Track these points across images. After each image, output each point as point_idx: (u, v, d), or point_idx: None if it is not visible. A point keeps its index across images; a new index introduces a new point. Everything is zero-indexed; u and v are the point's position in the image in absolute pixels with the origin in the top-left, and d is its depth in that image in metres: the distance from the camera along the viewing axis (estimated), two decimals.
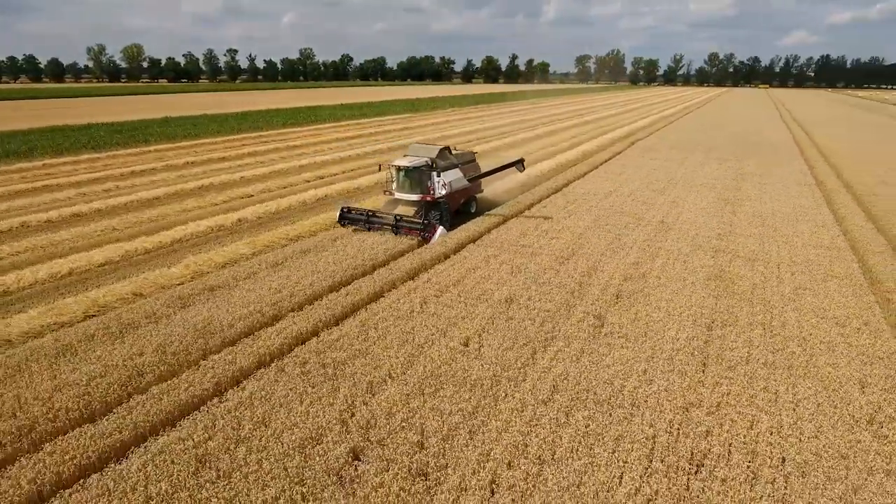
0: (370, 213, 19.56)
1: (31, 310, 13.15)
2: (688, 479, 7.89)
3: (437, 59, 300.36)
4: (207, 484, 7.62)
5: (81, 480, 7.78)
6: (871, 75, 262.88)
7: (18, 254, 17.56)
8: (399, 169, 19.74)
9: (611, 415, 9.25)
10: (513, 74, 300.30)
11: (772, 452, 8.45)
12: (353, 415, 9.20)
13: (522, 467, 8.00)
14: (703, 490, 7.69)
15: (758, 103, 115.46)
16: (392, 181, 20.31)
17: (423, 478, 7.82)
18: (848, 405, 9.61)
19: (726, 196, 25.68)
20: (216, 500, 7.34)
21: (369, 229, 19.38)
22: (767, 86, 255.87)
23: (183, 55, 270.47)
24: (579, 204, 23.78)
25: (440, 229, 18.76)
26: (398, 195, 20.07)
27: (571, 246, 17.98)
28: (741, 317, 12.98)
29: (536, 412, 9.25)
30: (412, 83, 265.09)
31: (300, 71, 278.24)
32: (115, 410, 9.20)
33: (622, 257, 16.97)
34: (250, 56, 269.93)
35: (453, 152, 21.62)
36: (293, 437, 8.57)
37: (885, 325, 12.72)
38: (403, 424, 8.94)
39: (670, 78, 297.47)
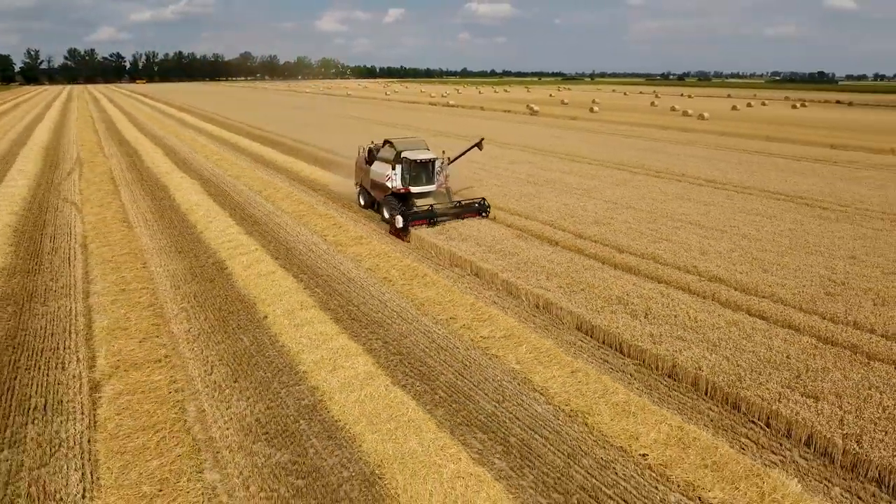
0: (432, 207, 19.62)
1: None
2: None
3: None
4: None
5: None
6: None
7: None
8: (417, 163, 19.69)
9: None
10: None
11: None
12: None
13: None
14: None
15: (215, 94, 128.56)
16: (392, 178, 19.84)
17: None
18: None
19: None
20: None
21: (433, 224, 19.32)
22: (145, 80, 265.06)
23: None
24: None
25: None
26: (413, 189, 19.90)
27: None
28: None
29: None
30: None
31: None
32: None
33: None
34: None
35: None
36: None
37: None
38: None
39: (30, 75, 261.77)
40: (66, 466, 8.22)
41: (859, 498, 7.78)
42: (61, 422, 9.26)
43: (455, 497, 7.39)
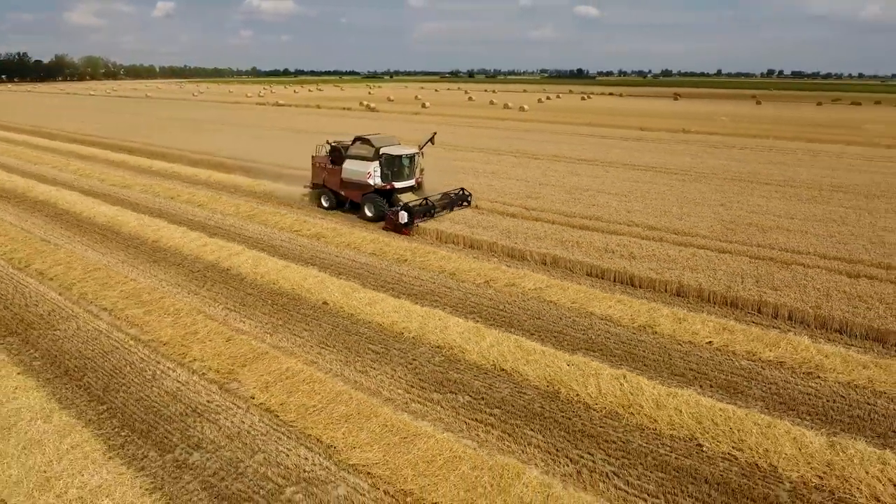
0: (434, 203, 20.14)
1: None
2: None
3: None
4: None
5: None
6: None
7: None
8: (399, 159, 20.23)
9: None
10: None
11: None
12: None
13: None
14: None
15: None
16: (373, 176, 20.14)
17: None
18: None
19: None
20: None
21: (431, 216, 19.93)
22: None
23: None
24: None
25: None
26: (396, 184, 20.36)
27: None
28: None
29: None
30: None
31: None
32: None
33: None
34: None
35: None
36: None
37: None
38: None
39: None
40: (281, 447, 8.55)
41: (834, 341, 11.95)
42: (223, 419, 9.24)
43: (627, 388, 9.69)
